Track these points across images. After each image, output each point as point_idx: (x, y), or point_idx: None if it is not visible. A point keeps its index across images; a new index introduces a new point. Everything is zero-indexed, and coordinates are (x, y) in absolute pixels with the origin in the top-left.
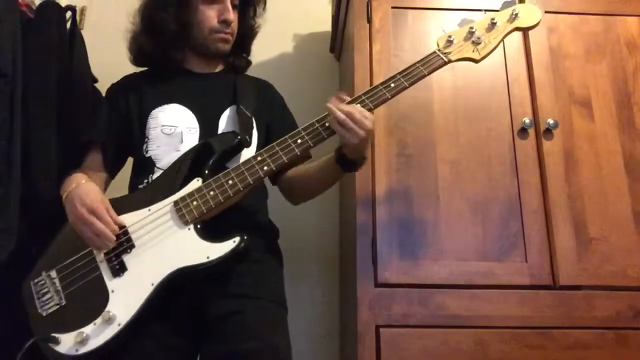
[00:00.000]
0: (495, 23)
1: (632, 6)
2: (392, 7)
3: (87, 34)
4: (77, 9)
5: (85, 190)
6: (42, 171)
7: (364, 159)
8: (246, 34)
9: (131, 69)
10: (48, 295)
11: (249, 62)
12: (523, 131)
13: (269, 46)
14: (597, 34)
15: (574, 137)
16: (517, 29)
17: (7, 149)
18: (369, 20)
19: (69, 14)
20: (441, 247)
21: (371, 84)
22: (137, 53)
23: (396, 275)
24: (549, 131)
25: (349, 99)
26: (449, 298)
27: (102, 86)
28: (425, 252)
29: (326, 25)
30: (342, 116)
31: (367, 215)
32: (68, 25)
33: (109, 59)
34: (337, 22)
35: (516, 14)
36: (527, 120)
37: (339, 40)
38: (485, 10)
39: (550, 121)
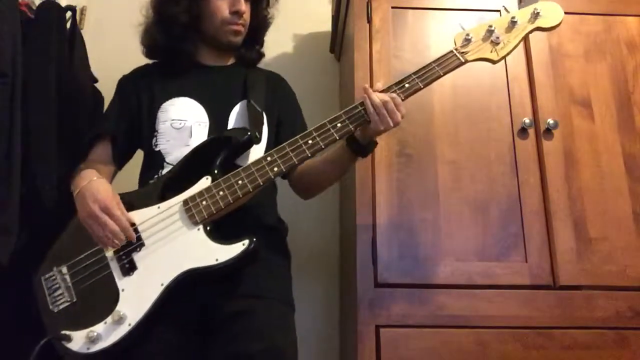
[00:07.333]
0: (516, 22)
1: (632, 6)
2: (392, 7)
3: (87, 34)
4: (77, 9)
5: (97, 187)
6: (43, 171)
7: (375, 144)
8: (259, 25)
9: (131, 68)
10: (59, 292)
11: (262, 54)
12: (523, 131)
13: (269, 46)
14: (597, 34)
15: (574, 137)
16: (538, 28)
17: (7, 149)
18: (369, 20)
19: (69, 14)
20: (441, 247)
21: (371, 84)
22: (150, 46)
23: (396, 275)
24: (549, 131)
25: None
26: (449, 298)
27: (102, 86)
28: (425, 252)
29: (326, 25)
30: (377, 101)
31: (367, 215)
32: (68, 25)
33: (109, 59)
34: (337, 22)
35: (537, 13)
36: (527, 120)
37: (339, 40)
38: (503, 9)
39: (550, 121)
